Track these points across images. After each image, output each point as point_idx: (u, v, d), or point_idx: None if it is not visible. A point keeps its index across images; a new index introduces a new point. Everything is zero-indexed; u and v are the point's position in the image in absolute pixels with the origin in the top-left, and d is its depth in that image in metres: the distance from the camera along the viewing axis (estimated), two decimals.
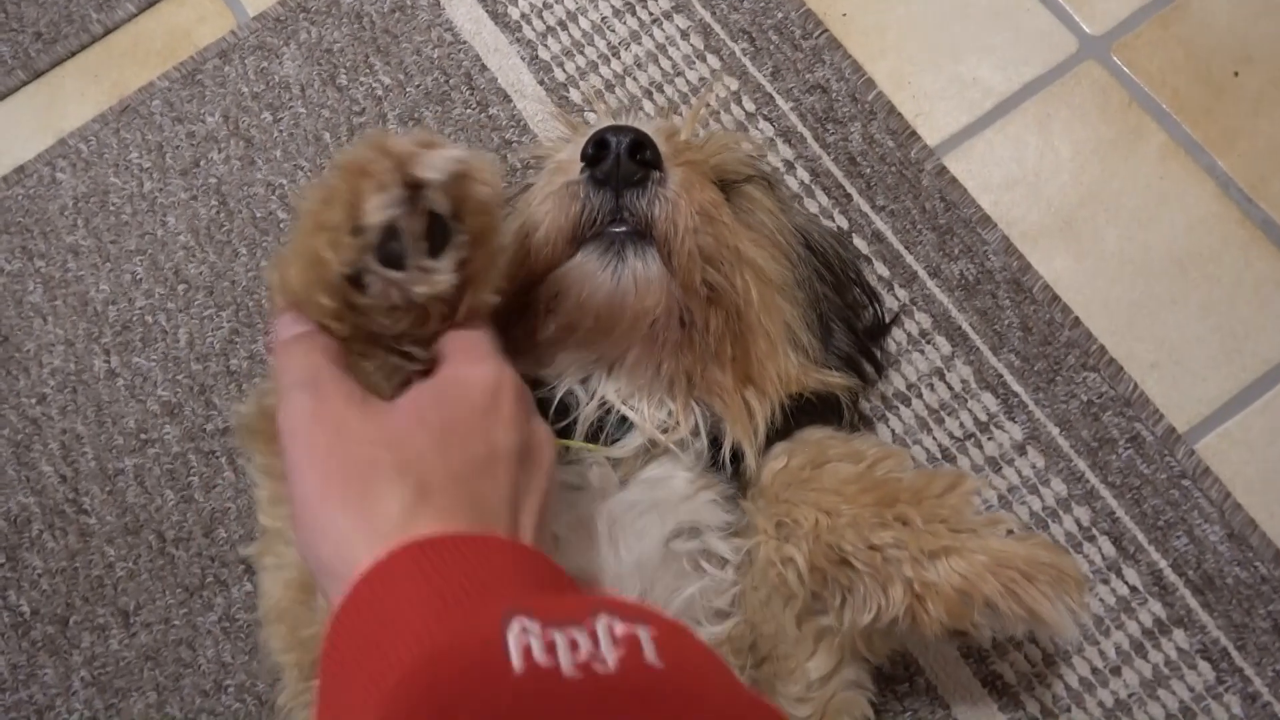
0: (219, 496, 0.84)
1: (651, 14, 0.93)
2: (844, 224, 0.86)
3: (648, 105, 0.91)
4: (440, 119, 0.92)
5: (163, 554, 0.84)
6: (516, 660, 0.33)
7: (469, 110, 0.92)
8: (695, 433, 0.59)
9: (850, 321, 0.71)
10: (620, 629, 0.35)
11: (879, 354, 0.77)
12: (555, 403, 0.59)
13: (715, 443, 0.60)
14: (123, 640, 0.82)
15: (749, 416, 0.60)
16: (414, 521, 0.41)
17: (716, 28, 0.92)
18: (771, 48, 0.91)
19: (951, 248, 0.85)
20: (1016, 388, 0.81)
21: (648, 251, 0.56)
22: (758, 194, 0.66)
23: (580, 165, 0.57)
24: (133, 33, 0.99)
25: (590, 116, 0.89)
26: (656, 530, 0.56)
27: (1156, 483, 0.78)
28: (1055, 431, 0.80)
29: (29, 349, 0.90)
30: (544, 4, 0.95)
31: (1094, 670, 0.75)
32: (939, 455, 0.80)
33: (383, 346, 0.50)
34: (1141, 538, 0.77)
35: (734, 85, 0.90)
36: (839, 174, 0.87)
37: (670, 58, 0.92)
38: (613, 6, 0.94)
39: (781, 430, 0.61)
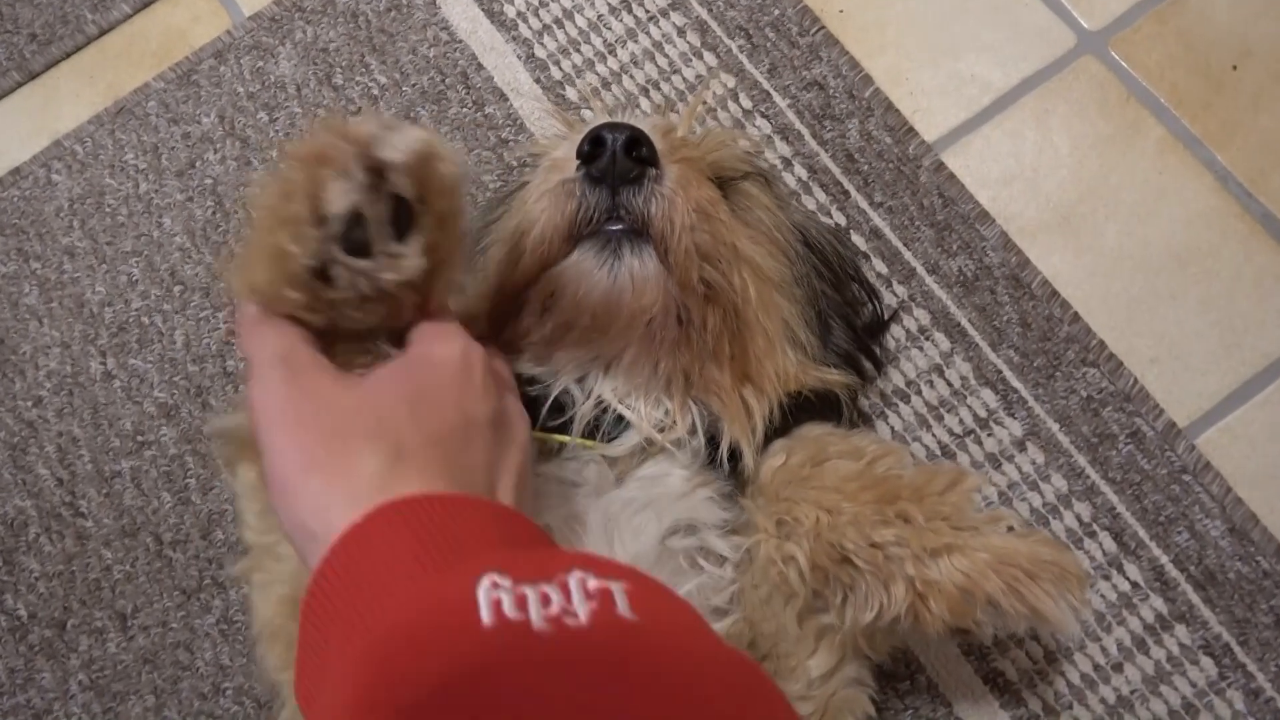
0: (216, 498, 0.84)
1: (648, 11, 0.93)
2: (842, 221, 0.86)
3: (644, 103, 0.90)
4: (436, 118, 0.92)
5: (160, 556, 0.83)
6: (486, 614, 0.33)
7: (465, 109, 0.92)
8: (692, 431, 0.59)
9: (849, 319, 0.70)
10: (593, 583, 0.35)
11: (878, 351, 0.77)
12: (550, 401, 0.59)
13: (713, 441, 0.59)
14: (120, 643, 0.82)
15: (747, 415, 0.59)
16: (392, 483, 0.41)
17: (713, 24, 0.92)
18: (768, 44, 0.91)
19: (950, 244, 0.84)
20: (1016, 384, 0.81)
21: (644, 249, 0.56)
22: (755, 191, 0.66)
23: (576, 163, 0.57)
24: (128, 33, 0.99)
25: (587, 114, 0.89)
26: (653, 527, 0.56)
27: (1157, 478, 0.78)
28: (1055, 427, 0.79)
29: (25, 351, 0.90)
30: (540, 2, 0.94)
31: (1096, 667, 0.74)
32: (939, 452, 0.80)
33: (355, 341, 0.49)
34: (1142, 533, 0.77)
35: (731, 82, 0.90)
36: (836, 171, 0.87)
37: (667, 55, 0.91)
38: (609, 4, 0.93)
39: (780, 428, 0.61)
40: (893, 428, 0.81)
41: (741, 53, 0.91)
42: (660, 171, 0.56)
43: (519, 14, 0.94)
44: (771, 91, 0.89)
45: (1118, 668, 0.74)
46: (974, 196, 0.85)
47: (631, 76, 0.91)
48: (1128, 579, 0.76)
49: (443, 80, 0.93)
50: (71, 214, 0.93)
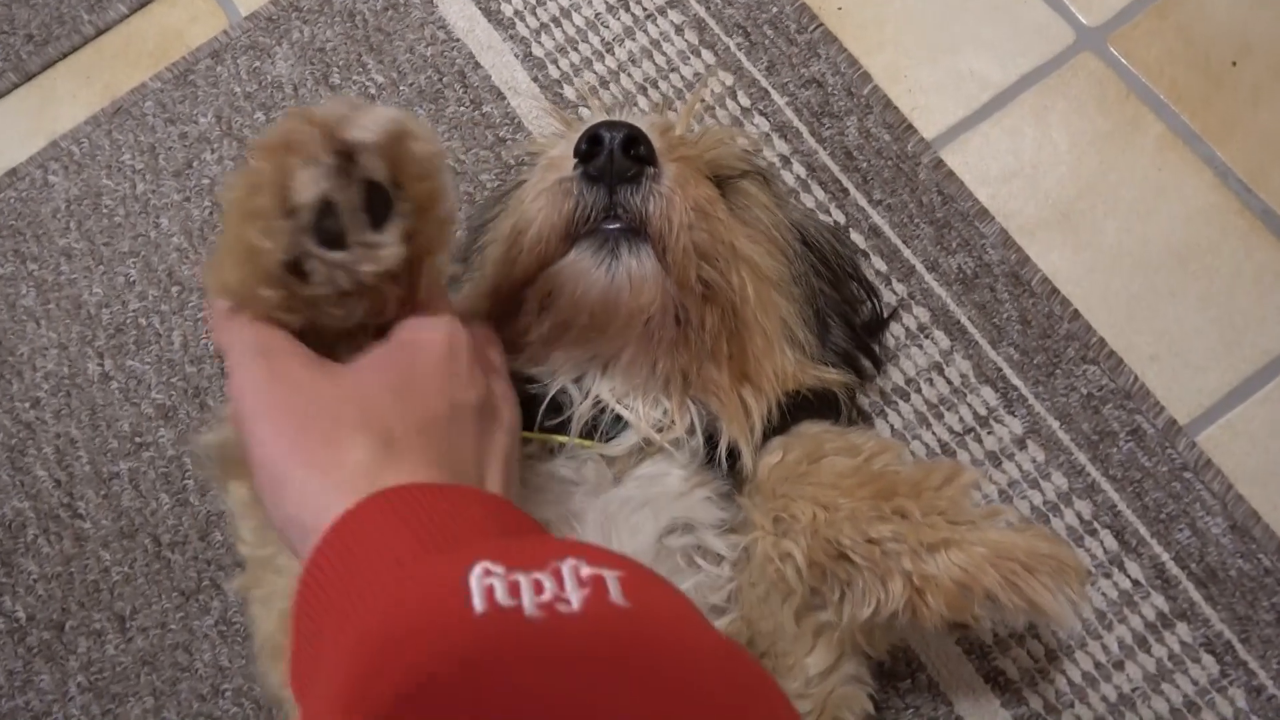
0: (214, 500, 0.84)
1: (645, 9, 0.92)
2: (841, 219, 0.85)
3: (642, 101, 0.90)
4: (434, 117, 0.91)
5: (159, 558, 0.83)
6: (479, 602, 0.33)
7: (462, 108, 0.91)
8: (691, 431, 0.59)
9: (848, 317, 0.70)
10: (586, 571, 0.35)
11: (877, 349, 0.77)
12: (548, 400, 0.58)
13: (711, 440, 0.59)
14: (119, 645, 0.81)
15: (745, 415, 0.59)
16: (382, 473, 0.41)
17: (711, 22, 0.91)
18: (766, 42, 0.91)
19: (949, 241, 0.84)
20: (1016, 381, 0.80)
21: (642, 248, 0.55)
22: (753, 189, 0.66)
23: (573, 161, 0.56)
24: (124, 33, 0.99)
25: (584, 113, 0.89)
26: (650, 526, 0.56)
27: (1158, 475, 0.77)
28: (1055, 425, 0.79)
29: (22, 353, 0.89)
30: (537, 1, 0.94)
31: (1097, 665, 0.74)
32: (939, 450, 0.80)
33: (338, 339, 0.48)
34: (1143, 531, 0.76)
35: (729, 80, 0.90)
36: (835, 168, 0.87)
37: (664, 53, 0.91)
38: (606, 2, 0.93)
39: (779, 427, 0.61)
40: (892, 426, 0.81)
41: (740, 50, 0.90)
42: (658, 170, 0.56)
43: (516, 12, 0.94)
44: (770, 89, 0.89)
45: (1119, 666, 0.74)
46: (973, 194, 0.85)
47: (629, 74, 0.91)
48: (1129, 577, 0.76)
49: (440, 79, 0.93)
50: (68, 215, 0.93)
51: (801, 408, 0.62)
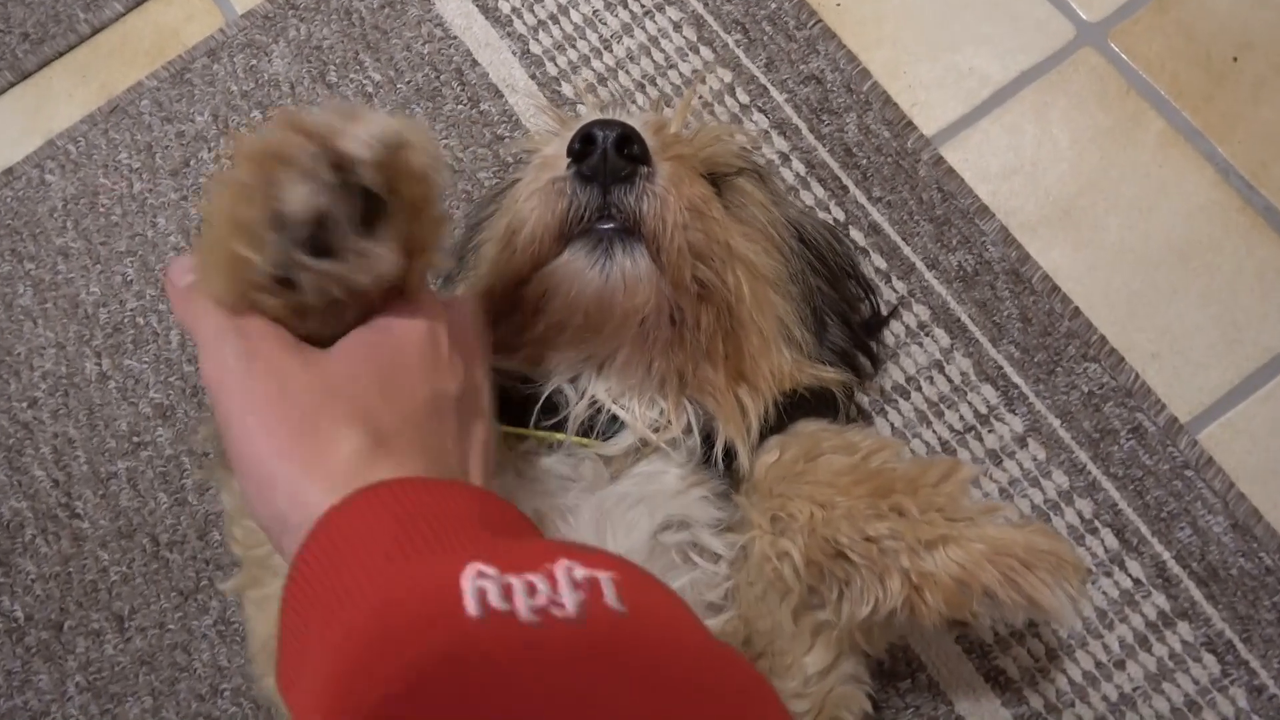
0: (212, 499, 0.84)
1: (644, 6, 0.92)
2: (840, 216, 0.85)
3: (640, 98, 0.90)
4: (431, 115, 0.91)
5: (157, 558, 0.83)
6: (472, 605, 0.33)
7: (460, 106, 0.91)
8: (688, 431, 0.58)
9: (845, 315, 0.70)
10: (580, 573, 0.35)
11: (875, 348, 0.76)
12: (543, 400, 0.58)
13: (708, 440, 0.59)
14: (118, 645, 0.81)
15: (742, 414, 0.59)
16: (370, 468, 0.40)
17: (709, 19, 0.91)
18: (765, 39, 0.90)
19: (949, 239, 0.84)
20: (1016, 379, 0.80)
21: (636, 248, 0.55)
22: (750, 187, 0.65)
23: (566, 160, 0.56)
24: (120, 32, 0.99)
25: (582, 110, 0.88)
26: (645, 523, 0.55)
27: (1159, 474, 0.77)
28: (1056, 423, 0.79)
29: (20, 353, 0.89)
30: None
31: (1098, 664, 0.74)
32: (939, 449, 0.79)
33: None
34: (1144, 530, 0.76)
35: (728, 77, 0.89)
36: (835, 166, 0.86)
37: (663, 50, 0.91)
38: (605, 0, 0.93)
39: (776, 426, 0.60)
40: (893, 424, 0.80)
41: (738, 47, 0.90)
42: (652, 169, 0.56)
43: (514, 10, 0.93)
44: (769, 86, 0.89)
45: (1120, 665, 0.74)
46: (973, 191, 0.85)
47: (627, 72, 0.91)
48: (1129, 576, 0.75)
49: (437, 77, 0.92)
50: (65, 214, 0.92)
51: (799, 407, 0.62)
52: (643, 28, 0.92)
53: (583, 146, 0.55)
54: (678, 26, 0.91)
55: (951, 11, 0.91)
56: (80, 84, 0.98)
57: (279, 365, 0.42)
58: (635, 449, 0.58)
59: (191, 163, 0.92)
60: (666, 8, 0.92)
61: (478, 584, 0.33)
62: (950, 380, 0.81)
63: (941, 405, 0.80)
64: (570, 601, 0.33)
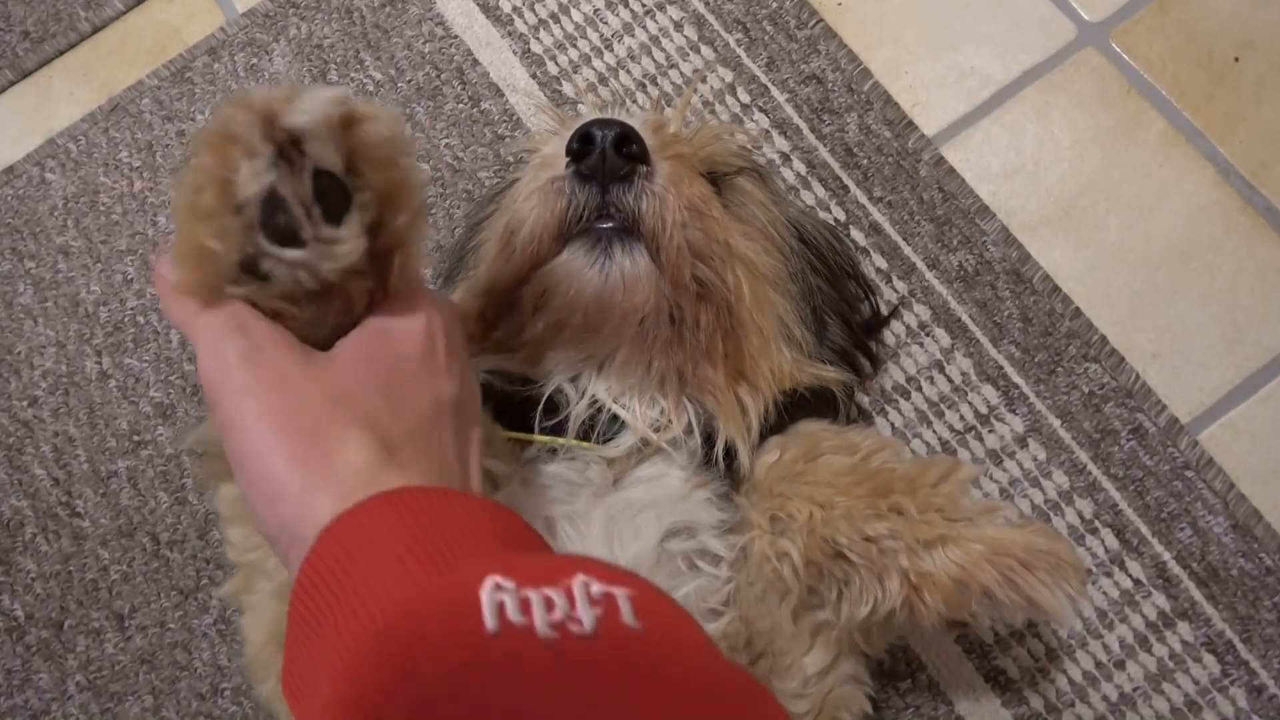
0: (213, 498, 0.83)
1: (644, 5, 0.92)
2: (841, 216, 0.85)
3: (641, 98, 0.90)
4: (432, 114, 0.91)
5: (157, 556, 0.83)
6: (490, 619, 0.32)
7: (461, 105, 0.91)
8: (688, 431, 0.58)
9: (845, 315, 0.70)
10: (598, 589, 0.34)
11: (875, 348, 0.76)
12: (544, 401, 0.58)
13: (709, 440, 0.59)
14: (118, 644, 0.81)
15: (742, 414, 0.59)
16: (380, 479, 0.39)
17: (710, 18, 0.91)
18: (766, 38, 0.90)
19: (950, 239, 0.84)
20: (1017, 379, 0.80)
21: (635, 248, 0.55)
22: (749, 186, 0.65)
23: (565, 160, 0.56)
24: (121, 30, 0.99)
25: (582, 109, 0.88)
26: (653, 529, 0.55)
27: (1159, 474, 0.77)
28: (1057, 423, 0.79)
29: (20, 351, 0.89)
30: None
31: (1098, 664, 0.74)
32: (939, 448, 0.79)
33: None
34: (1145, 530, 0.76)
35: (728, 76, 0.89)
36: (835, 165, 0.86)
37: (664, 49, 0.91)
38: None
39: (776, 426, 0.60)
40: (893, 424, 0.80)
41: (739, 46, 0.90)
42: (651, 168, 0.56)
43: (514, 9, 0.93)
44: (769, 85, 0.89)
45: (1120, 665, 0.74)
46: (974, 191, 0.85)
47: (628, 71, 0.90)
48: (1130, 576, 0.75)
49: (438, 76, 0.92)
50: (66, 213, 0.92)
51: (799, 406, 0.62)
52: (643, 27, 0.92)
53: (581, 146, 0.55)
54: (679, 26, 0.91)
55: (953, 11, 0.90)
56: (81, 82, 0.98)
57: (283, 368, 0.41)
58: (636, 450, 0.58)
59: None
60: (667, 7, 0.92)
61: (496, 597, 0.33)
62: (951, 380, 0.81)
63: (942, 405, 0.80)
64: (587, 618, 0.33)
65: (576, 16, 0.93)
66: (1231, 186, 0.83)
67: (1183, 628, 0.74)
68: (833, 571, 0.54)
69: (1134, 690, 0.73)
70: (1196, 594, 0.74)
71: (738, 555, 0.57)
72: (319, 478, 0.39)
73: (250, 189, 0.38)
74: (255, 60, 0.94)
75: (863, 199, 0.85)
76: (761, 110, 0.88)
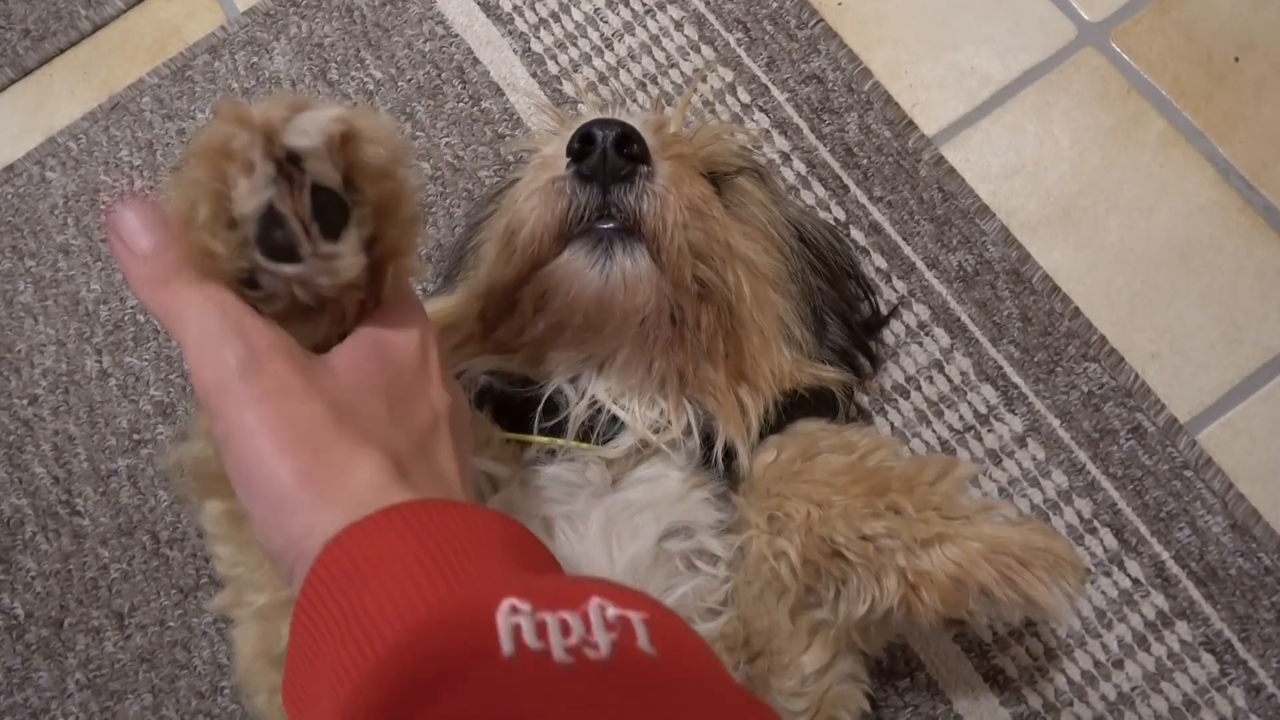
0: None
1: (645, 5, 0.92)
2: (841, 215, 0.85)
3: (642, 98, 0.90)
4: (432, 113, 0.91)
5: (157, 555, 0.83)
6: (506, 642, 0.32)
7: (461, 104, 0.91)
8: (688, 432, 0.58)
9: (845, 315, 0.70)
10: (613, 613, 0.34)
11: (875, 348, 0.76)
12: (544, 401, 0.58)
13: (708, 440, 0.59)
14: (118, 642, 0.81)
15: (742, 414, 0.59)
16: (391, 493, 0.38)
17: (711, 18, 0.91)
18: (766, 38, 0.90)
19: (950, 238, 0.84)
20: (1016, 379, 0.80)
21: (636, 248, 0.55)
22: (750, 186, 0.65)
23: (566, 160, 0.56)
24: (122, 29, 0.99)
25: (582, 108, 0.88)
26: (650, 529, 0.55)
27: (1158, 474, 0.77)
28: (1056, 423, 0.79)
29: (20, 349, 0.89)
30: None
31: (1096, 664, 0.74)
32: (939, 448, 0.79)
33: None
34: (1144, 529, 0.76)
35: (729, 76, 0.89)
36: (835, 165, 0.86)
37: (664, 49, 0.91)
38: None
39: (775, 426, 0.60)
40: (893, 424, 0.80)
41: (739, 46, 0.90)
42: (652, 168, 0.55)
43: (515, 8, 0.93)
44: (770, 85, 0.89)
45: (1118, 664, 0.74)
46: (974, 190, 0.85)
47: (629, 70, 0.91)
48: (1128, 575, 0.75)
49: (439, 75, 0.92)
50: (66, 211, 0.93)
51: (799, 406, 0.62)
52: (644, 26, 0.92)
53: (582, 146, 0.55)
54: (679, 25, 0.91)
55: (953, 11, 0.90)
56: (81, 81, 0.98)
57: (286, 379, 0.39)
58: (635, 450, 0.58)
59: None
60: (668, 6, 0.92)
61: (512, 620, 0.32)
62: (950, 380, 0.81)
63: (941, 405, 0.80)
64: (603, 642, 0.33)
65: (577, 15, 0.93)
66: (1231, 186, 0.83)
67: (1181, 627, 0.74)
68: (830, 570, 0.54)
69: (1132, 689, 0.73)
70: (1195, 593, 0.75)
71: (735, 555, 0.57)
72: (329, 492, 0.38)
73: (248, 205, 0.38)
74: (256, 59, 0.95)
75: (863, 199, 0.85)
76: (761, 110, 0.88)
